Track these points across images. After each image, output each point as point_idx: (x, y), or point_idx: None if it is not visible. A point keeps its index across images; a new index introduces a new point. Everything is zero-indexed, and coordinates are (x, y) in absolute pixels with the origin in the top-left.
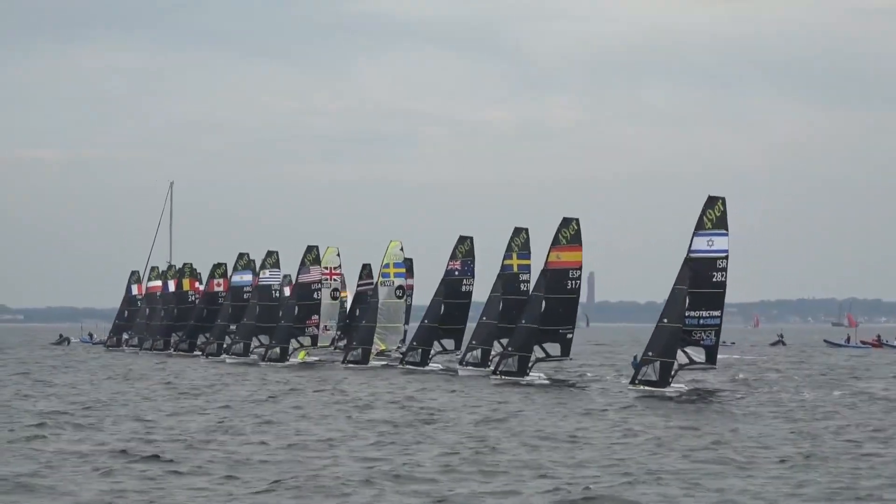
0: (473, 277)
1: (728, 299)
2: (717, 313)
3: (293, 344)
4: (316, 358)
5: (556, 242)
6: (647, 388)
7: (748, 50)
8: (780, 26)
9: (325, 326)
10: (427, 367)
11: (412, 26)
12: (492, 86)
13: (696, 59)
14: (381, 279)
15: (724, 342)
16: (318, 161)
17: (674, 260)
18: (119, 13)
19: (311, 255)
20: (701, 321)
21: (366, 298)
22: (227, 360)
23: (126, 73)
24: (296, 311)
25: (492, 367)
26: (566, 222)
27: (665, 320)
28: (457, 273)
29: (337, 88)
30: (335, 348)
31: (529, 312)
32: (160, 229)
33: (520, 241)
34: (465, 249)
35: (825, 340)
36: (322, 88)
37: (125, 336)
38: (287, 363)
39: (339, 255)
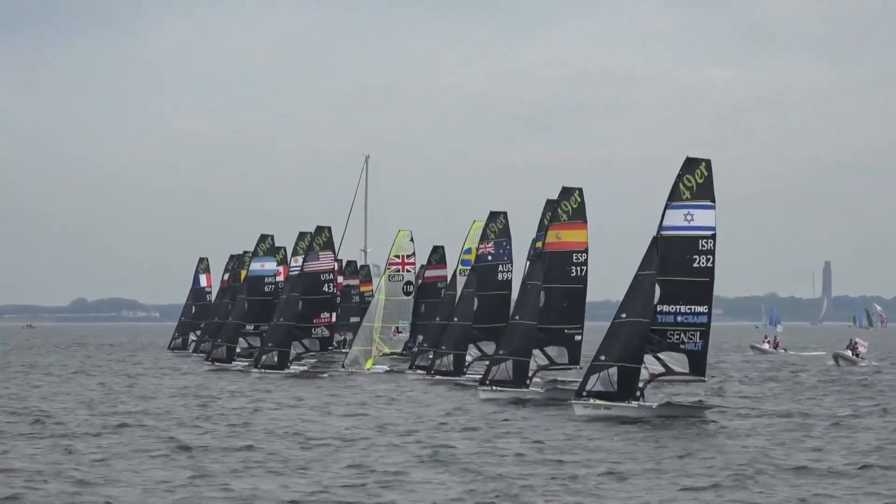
0: (511, 262)
1: None
2: (702, 309)
3: (295, 348)
4: (385, 367)
5: (555, 219)
6: (598, 402)
7: None
8: None
9: (397, 328)
10: (464, 377)
11: None
12: (715, 44)
13: None
14: (460, 267)
15: None
16: (522, 130)
17: None
18: None
19: (322, 238)
20: (679, 318)
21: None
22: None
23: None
24: (299, 307)
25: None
26: (566, 193)
27: (624, 315)
28: (490, 258)
29: (542, 47)
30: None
31: (525, 306)
32: (353, 210)
33: None
34: (497, 228)
35: None
36: (527, 48)
37: (192, 337)
38: (287, 371)
39: (412, 239)
